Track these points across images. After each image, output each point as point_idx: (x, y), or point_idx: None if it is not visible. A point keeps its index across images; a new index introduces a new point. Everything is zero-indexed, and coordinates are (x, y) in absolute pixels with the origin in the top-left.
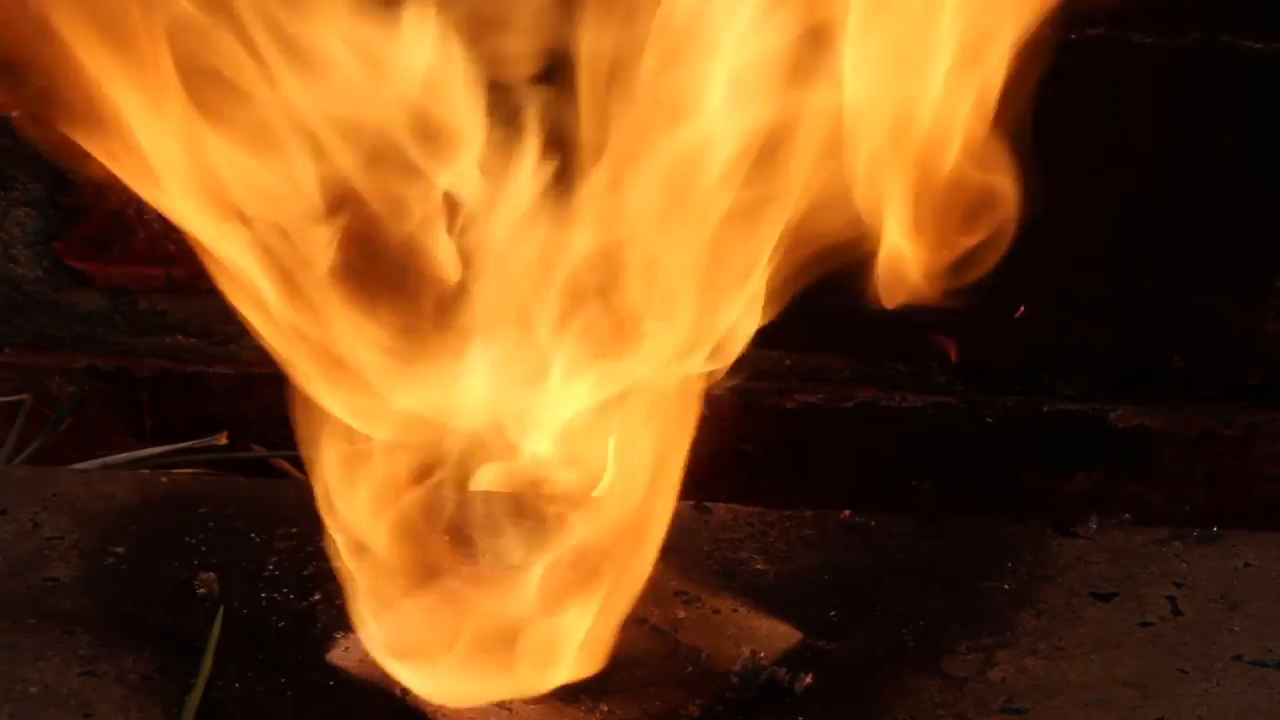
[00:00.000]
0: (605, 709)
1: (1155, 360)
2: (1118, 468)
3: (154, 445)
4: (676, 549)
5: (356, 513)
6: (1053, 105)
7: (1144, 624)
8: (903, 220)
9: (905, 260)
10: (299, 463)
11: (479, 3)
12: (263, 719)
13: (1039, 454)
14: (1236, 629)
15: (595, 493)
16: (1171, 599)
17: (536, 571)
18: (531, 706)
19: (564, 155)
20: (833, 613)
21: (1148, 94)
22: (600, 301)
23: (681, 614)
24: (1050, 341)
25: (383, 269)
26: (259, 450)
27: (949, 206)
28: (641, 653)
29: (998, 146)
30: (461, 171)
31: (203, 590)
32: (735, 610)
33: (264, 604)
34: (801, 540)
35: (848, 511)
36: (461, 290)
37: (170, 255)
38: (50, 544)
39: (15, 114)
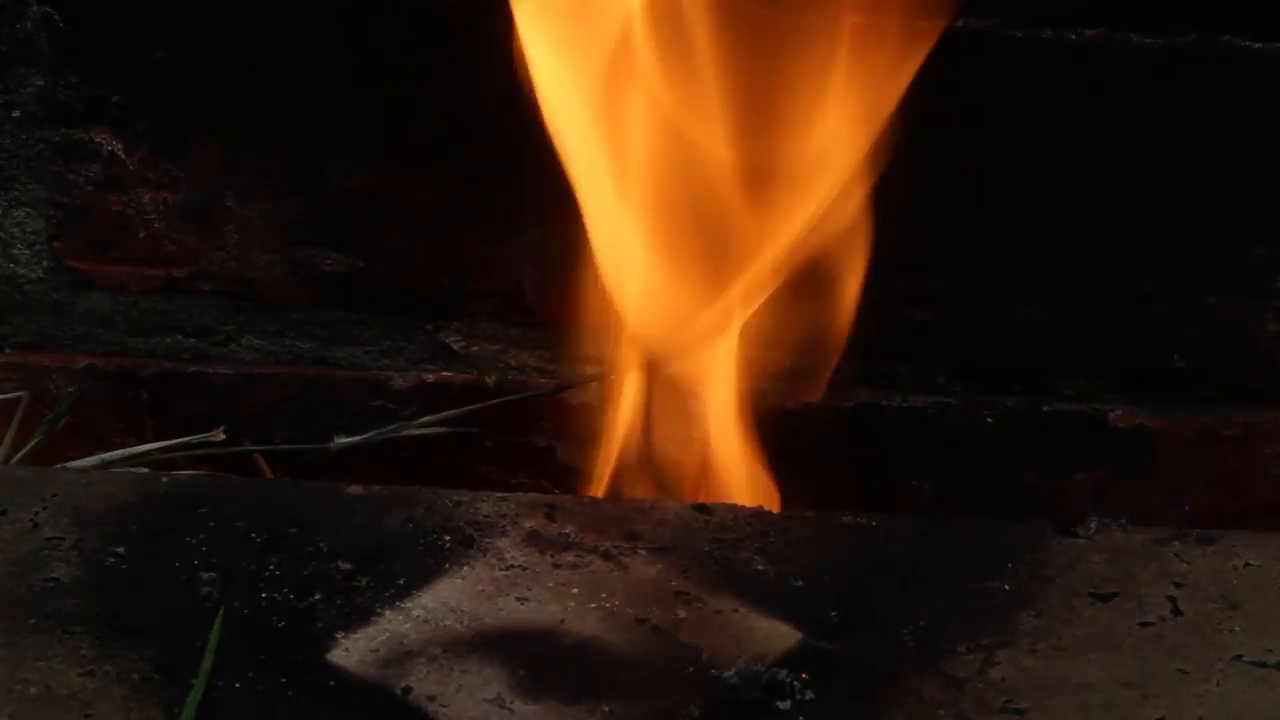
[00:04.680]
0: (605, 709)
1: (1155, 360)
2: (1118, 468)
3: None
4: (676, 549)
5: None
6: (1054, 105)
7: (1144, 624)
8: None
9: None
10: (290, 458)
11: None
12: (263, 719)
13: (1039, 454)
14: (1236, 629)
15: None
16: (1172, 599)
17: None
18: (531, 706)
19: None
20: (833, 613)
21: (1147, 94)
22: None
23: (681, 614)
24: (1050, 341)
25: None
26: (252, 447)
27: None
28: (641, 653)
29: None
30: None
31: (203, 590)
32: (735, 610)
33: (264, 604)
34: (801, 540)
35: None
36: None
37: (170, 255)
38: (50, 544)
39: None
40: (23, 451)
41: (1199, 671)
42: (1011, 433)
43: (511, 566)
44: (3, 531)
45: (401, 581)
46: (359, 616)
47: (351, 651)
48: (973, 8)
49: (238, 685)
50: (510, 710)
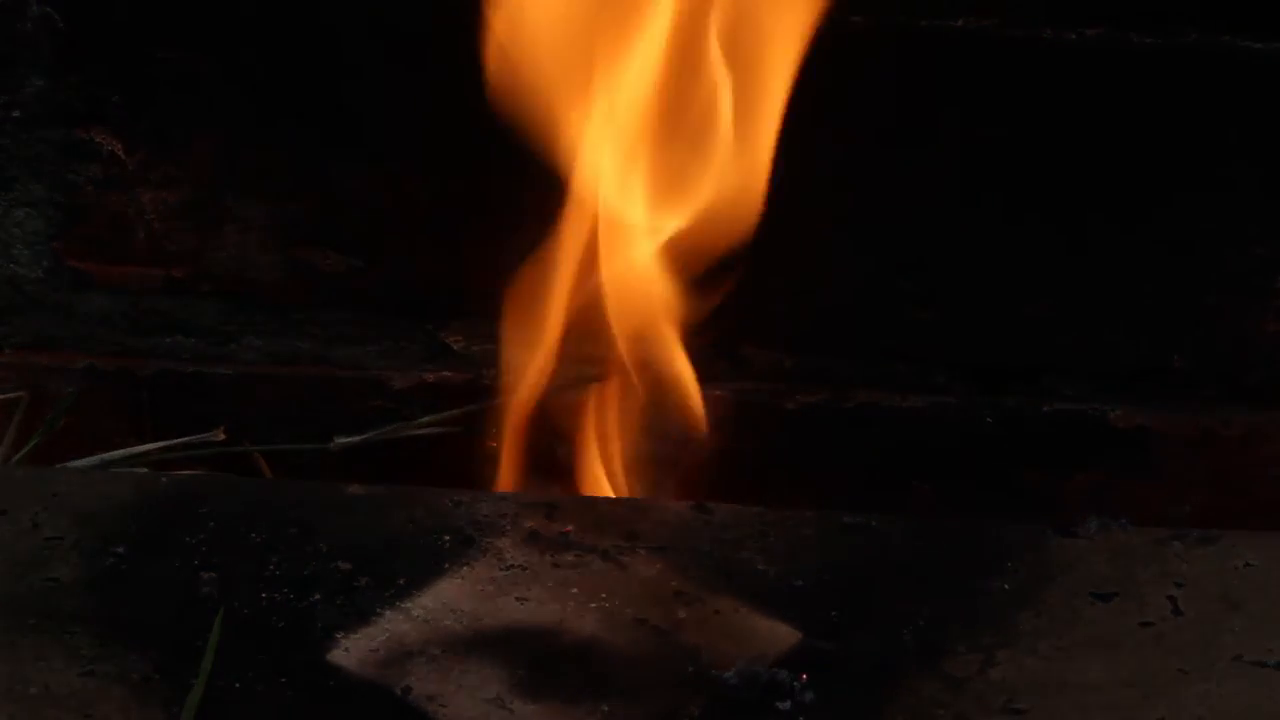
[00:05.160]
0: (605, 709)
1: (1155, 360)
2: (1118, 468)
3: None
4: (676, 549)
5: None
6: (1054, 105)
7: (1144, 624)
8: None
9: None
10: (290, 458)
11: None
12: (263, 719)
13: (1039, 454)
14: (1237, 629)
15: None
16: (1172, 599)
17: None
18: (531, 706)
19: None
20: (833, 613)
21: (1147, 94)
22: None
23: (681, 614)
24: (1050, 341)
25: None
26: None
27: None
28: (641, 653)
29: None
30: None
31: (203, 590)
32: (735, 610)
33: (264, 604)
34: (801, 540)
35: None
36: None
37: (170, 255)
38: (50, 544)
39: None
40: (23, 451)
41: (1199, 671)
42: (1011, 433)
43: (511, 566)
44: (3, 531)
45: (401, 581)
46: (359, 616)
47: (351, 651)
48: (973, 8)
49: (238, 685)
50: (510, 710)
